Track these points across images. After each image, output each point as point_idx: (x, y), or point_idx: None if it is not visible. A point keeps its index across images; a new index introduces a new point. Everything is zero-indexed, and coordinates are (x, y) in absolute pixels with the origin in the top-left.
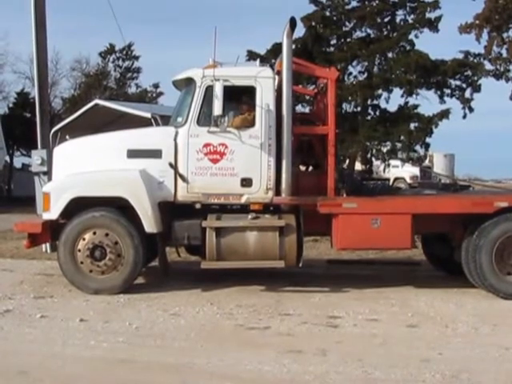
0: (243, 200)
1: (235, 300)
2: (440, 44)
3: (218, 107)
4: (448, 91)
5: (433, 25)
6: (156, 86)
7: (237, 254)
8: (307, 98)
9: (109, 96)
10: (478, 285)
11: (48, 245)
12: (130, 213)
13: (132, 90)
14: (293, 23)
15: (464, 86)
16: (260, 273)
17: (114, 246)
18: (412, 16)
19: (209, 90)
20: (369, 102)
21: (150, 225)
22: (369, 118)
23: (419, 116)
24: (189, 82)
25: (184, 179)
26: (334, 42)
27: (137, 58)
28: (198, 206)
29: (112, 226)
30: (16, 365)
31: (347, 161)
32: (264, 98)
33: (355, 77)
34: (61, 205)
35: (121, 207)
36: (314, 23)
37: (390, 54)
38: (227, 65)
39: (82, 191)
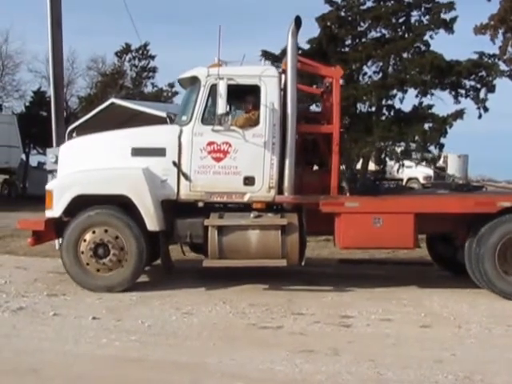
0: (246, 199)
1: (248, 299)
2: (455, 45)
3: (221, 106)
4: (462, 92)
5: (448, 26)
6: (171, 85)
7: (239, 253)
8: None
9: (125, 95)
10: (481, 285)
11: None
12: (134, 211)
13: (148, 89)
14: (298, 22)
15: (478, 86)
16: (272, 271)
17: (115, 241)
18: (427, 17)
19: (213, 89)
20: (383, 102)
21: (152, 223)
22: (383, 118)
23: (433, 116)
24: (194, 81)
25: (187, 178)
26: (348, 42)
27: (153, 57)
28: (200, 204)
29: (109, 222)
30: (27, 363)
31: (361, 161)
32: (268, 97)
33: (370, 77)
34: (63, 203)
35: (124, 205)
36: (329, 23)
37: (404, 55)
38: (232, 64)
39: (84, 189)
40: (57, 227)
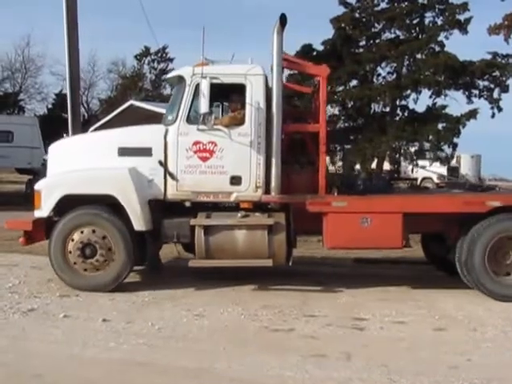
0: (232, 198)
1: (261, 300)
2: (469, 45)
3: (204, 105)
4: (476, 92)
5: (462, 26)
6: None
7: (226, 253)
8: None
9: (144, 97)
10: (471, 286)
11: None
12: (121, 211)
13: (167, 91)
14: (283, 20)
15: (492, 86)
16: (286, 272)
17: (102, 241)
18: (441, 18)
19: (198, 88)
20: (398, 102)
21: (138, 223)
22: (397, 118)
23: (447, 116)
24: (180, 80)
25: (173, 177)
26: (363, 43)
27: (171, 60)
28: (188, 204)
29: (96, 222)
30: (32, 367)
31: (375, 161)
32: (254, 96)
33: (384, 78)
34: (51, 203)
35: (113, 205)
36: (343, 25)
37: (418, 56)
38: (219, 63)
39: (71, 189)
40: (47, 227)
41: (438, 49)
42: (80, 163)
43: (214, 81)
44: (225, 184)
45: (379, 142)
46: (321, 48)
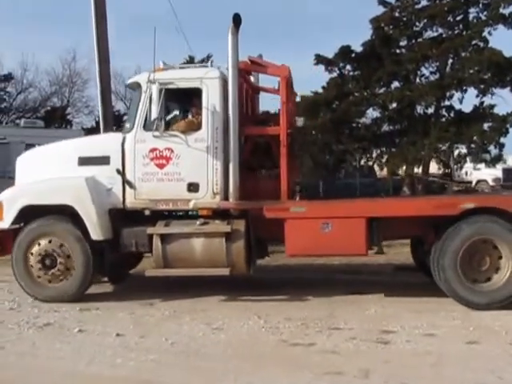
0: (191, 206)
1: (284, 312)
2: None
3: (154, 110)
4: None
5: (507, 21)
6: None
7: (184, 261)
8: None
9: None
10: (447, 293)
11: None
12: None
13: None
14: (236, 20)
15: None
16: (315, 281)
17: (60, 250)
18: (485, 13)
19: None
20: (442, 103)
21: (95, 232)
22: (443, 119)
23: (493, 115)
24: (137, 87)
25: (131, 185)
26: (403, 43)
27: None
28: (147, 212)
29: (52, 232)
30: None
31: (421, 164)
32: (210, 100)
33: (427, 78)
34: (12, 214)
35: (74, 215)
36: (382, 24)
37: (462, 53)
38: (179, 68)
39: (31, 200)
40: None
41: (482, 45)
42: (43, 173)
43: (170, 86)
44: (182, 191)
45: (422, 145)
46: (360, 49)
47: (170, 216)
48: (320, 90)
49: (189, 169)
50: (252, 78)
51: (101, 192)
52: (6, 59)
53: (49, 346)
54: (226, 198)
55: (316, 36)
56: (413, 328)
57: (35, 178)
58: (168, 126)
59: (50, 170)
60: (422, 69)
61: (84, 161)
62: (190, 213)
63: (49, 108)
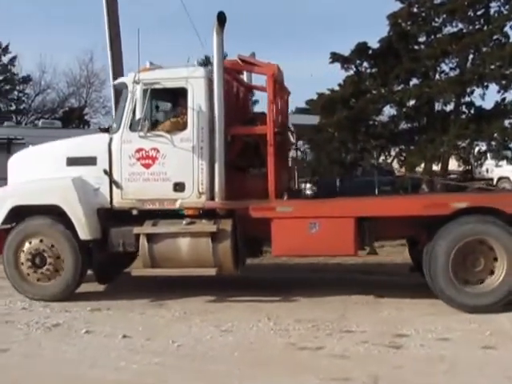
0: (177, 205)
1: (296, 314)
2: None
3: (138, 110)
4: None
5: None
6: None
7: (171, 261)
8: None
9: None
10: (436, 294)
11: None
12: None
13: None
14: (221, 19)
15: None
16: (328, 281)
17: (50, 250)
18: (507, 7)
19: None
20: (462, 99)
21: (83, 232)
22: (463, 116)
23: None
24: (123, 87)
25: (118, 185)
26: (422, 39)
27: None
28: (134, 212)
29: (43, 231)
30: None
31: (440, 161)
32: (196, 99)
33: (446, 74)
34: (2, 214)
35: (63, 215)
36: (399, 20)
37: (483, 49)
38: (166, 67)
39: (20, 200)
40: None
41: (503, 40)
42: (33, 174)
43: (156, 86)
44: (168, 191)
45: (441, 142)
46: (376, 46)
47: (159, 215)
48: (336, 88)
49: (175, 168)
50: (245, 77)
51: (88, 192)
52: (24, 61)
53: (54, 348)
54: (211, 197)
55: (331, 34)
56: (427, 332)
57: (27, 178)
58: (154, 126)
59: (41, 170)
60: (442, 65)
61: (72, 161)
62: (180, 212)
63: (67, 109)
